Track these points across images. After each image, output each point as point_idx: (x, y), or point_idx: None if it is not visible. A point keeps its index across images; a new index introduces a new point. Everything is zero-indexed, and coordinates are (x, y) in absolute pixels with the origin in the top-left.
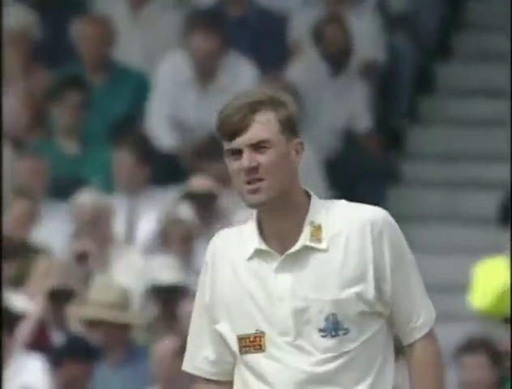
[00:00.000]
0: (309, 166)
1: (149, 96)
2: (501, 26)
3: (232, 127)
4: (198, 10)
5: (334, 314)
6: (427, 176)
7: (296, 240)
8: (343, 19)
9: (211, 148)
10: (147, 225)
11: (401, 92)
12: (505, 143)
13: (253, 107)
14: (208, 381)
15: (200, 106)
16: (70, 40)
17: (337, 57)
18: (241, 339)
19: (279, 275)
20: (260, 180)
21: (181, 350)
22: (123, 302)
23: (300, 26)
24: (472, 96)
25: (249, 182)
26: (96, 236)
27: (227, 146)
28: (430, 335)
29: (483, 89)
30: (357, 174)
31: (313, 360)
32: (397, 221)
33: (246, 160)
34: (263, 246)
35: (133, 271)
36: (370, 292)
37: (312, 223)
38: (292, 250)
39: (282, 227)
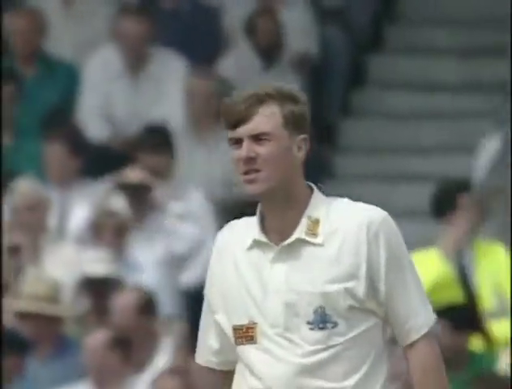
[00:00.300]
0: None
1: (80, 89)
2: (432, 19)
3: (235, 116)
4: (130, 3)
5: (322, 307)
6: (359, 169)
7: (291, 233)
8: (275, 11)
9: (145, 140)
10: (79, 217)
11: (333, 85)
12: (436, 136)
13: (260, 99)
14: (210, 370)
15: (131, 97)
16: (2, 32)
17: (269, 50)
18: (235, 329)
19: (275, 266)
20: (257, 171)
21: (112, 343)
22: (54, 295)
23: (233, 18)
24: (404, 89)
25: (246, 172)
26: (30, 228)
27: (229, 134)
28: (428, 337)
29: (415, 82)
30: None
31: (301, 352)
32: None
33: (245, 149)
34: (262, 238)
35: (65, 263)
36: (361, 289)
37: (309, 217)
38: (287, 241)
39: (281, 219)
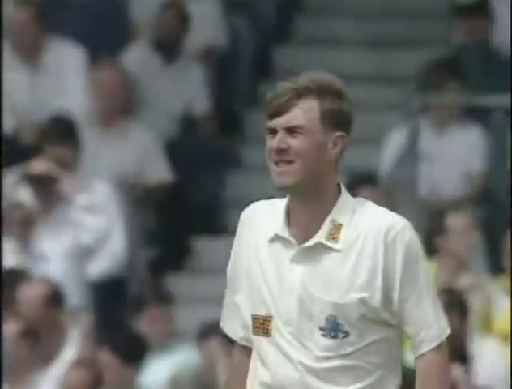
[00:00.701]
0: (149, 152)
1: None
2: (339, 10)
3: (274, 108)
4: None
5: (334, 316)
6: (266, 161)
7: (314, 234)
8: (181, 4)
9: (50, 130)
10: None
11: (240, 76)
12: None
13: (300, 92)
14: (240, 346)
15: (30, 88)
16: None
17: (169, 44)
18: (254, 318)
19: (293, 265)
20: (290, 162)
21: (21, 334)
22: None
23: (141, 11)
24: None
25: (277, 163)
26: None
27: (267, 124)
28: (440, 350)
29: None
30: (196, 159)
31: (312, 355)
32: (237, 206)
33: (277, 140)
34: (284, 233)
35: None
36: (376, 299)
37: (333, 221)
38: (307, 244)
39: (306, 218)
